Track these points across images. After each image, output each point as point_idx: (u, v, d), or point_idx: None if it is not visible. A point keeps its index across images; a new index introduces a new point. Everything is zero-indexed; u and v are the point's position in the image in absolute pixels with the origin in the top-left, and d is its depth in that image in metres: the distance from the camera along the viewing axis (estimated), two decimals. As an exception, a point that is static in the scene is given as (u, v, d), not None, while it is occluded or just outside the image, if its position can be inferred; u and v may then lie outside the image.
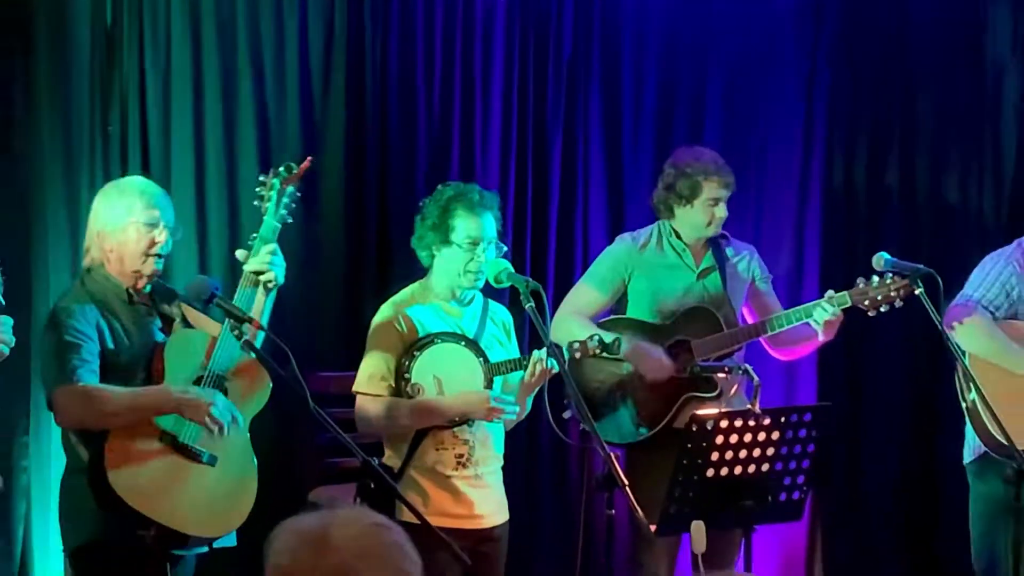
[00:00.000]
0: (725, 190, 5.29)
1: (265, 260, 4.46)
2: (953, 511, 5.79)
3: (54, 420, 4.47)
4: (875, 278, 5.07)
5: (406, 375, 4.72)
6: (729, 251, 5.42)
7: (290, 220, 4.53)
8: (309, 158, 4.68)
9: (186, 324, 4.53)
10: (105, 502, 4.25)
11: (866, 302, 5.09)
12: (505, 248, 4.88)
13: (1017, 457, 4.88)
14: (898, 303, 5.08)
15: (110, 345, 4.35)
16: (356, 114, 5.86)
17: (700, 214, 5.28)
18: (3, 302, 4.12)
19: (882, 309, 5.12)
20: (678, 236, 5.37)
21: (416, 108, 5.93)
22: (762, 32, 6.18)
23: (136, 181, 4.59)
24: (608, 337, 4.89)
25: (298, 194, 4.55)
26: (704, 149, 5.42)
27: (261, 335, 4.44)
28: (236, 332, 4.37)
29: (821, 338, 5.17)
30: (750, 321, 5.36)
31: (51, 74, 5.33)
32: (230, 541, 4.45)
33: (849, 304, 5.11)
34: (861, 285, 5.12)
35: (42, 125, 5.30)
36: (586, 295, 5.45)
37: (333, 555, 2.01)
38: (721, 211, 5.29)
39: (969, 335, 5.22)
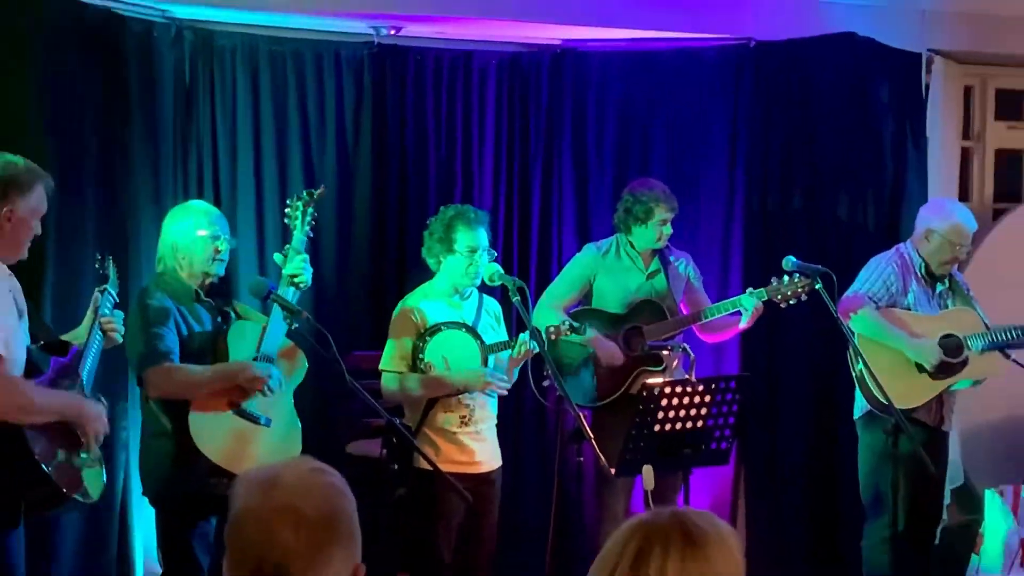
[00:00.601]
0: (671, 213, 5.33)
1: (300, 267, 4.49)
2: (846, 457, 5.79)
3: (143, 393, 4.44)
4: (785, 278, 5.12)
5: (420, 356, 4.78)
6: (671, 257, 5.45)
7: (312, 235, 4.60)
8: (323, 186, 4.80)
9: (239, 317, 4.53)
10: (188, 458, 4.27)
11: (778, 296, 5.15)
12: (495, 254, 4.97)
13: (894, 414, 4.94)
14: (803, 298, 5.12)
15: (184, 333, 4.36)
16: (380, 151, 5.87)
17: (652, 232, 5.31)
18: (117, 299, 4.20)
19: (791, 302, 5.15)
20: (632, 247, 5.40)
21: (427, 146, 5.96)
22: (696, 89, 6.19)
23: (199, 204, 4.67)
24: (576, 324, 4.97)
25: (316, 214, 4.59)
26: (656, 181, 5.47)
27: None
28: (288, 321, 4.43)
29: (743, 325, 5.17)
30: (686, 312, 5.36)
31: (144, 124, 5.32)
32: None
33: (766, 297, 5.14)
34: (775, 283, 5.16)
35: (136, 164, 5.28)
36: (560, 291, 5.47)
37: (279, 495, 1.91)
38: (668, 229, 5.34)
39: (858, 320, 5.27)
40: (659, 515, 1.85)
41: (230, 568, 1.94)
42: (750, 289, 5.15)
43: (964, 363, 5.29)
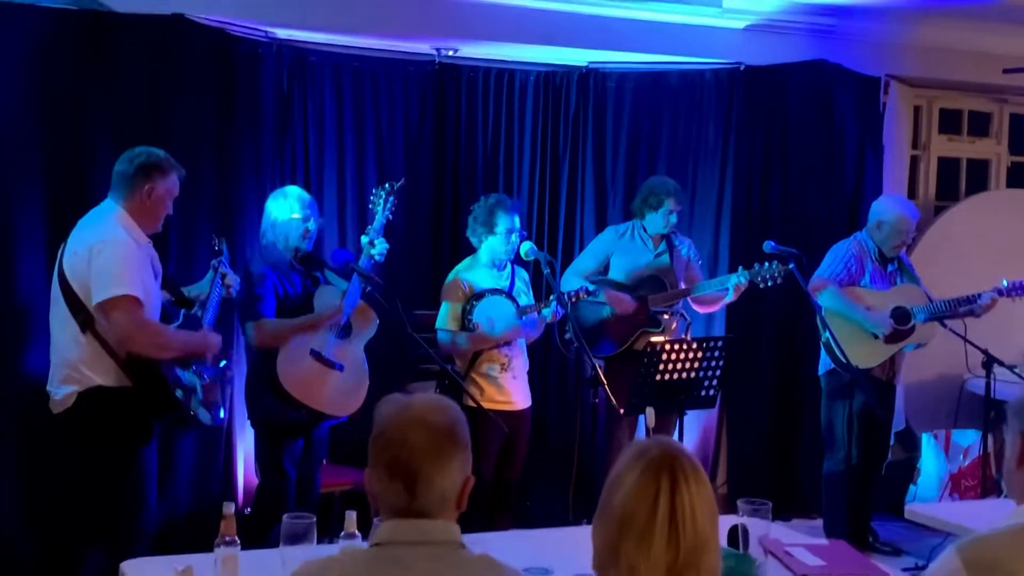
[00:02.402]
0: (678, 206, 5.29)
1: (379, 244, 4.51)
2: (808, 405, 5.79)
3: (247, 341, 4.50)
4: (766, 263, 5.00)
5: (468, 316, 4.78)
6: (676, 241, 5.39)
7: (391, 218, 4.60)
8: (403, 179, 4.77)
9: (326, 282, 4.54)
10: (277, 393, 4.30)
11: (759, 278, 5.04)
12: (526, 234, 4.96)
13: (853, 372, 4.94)
14: (779, 280, 5.02)
15: (280, 295, 4.36)
16: (439, 150, 5.84)
17: (662, 219, 5.26)
18: (230, 266, 4.25)
19: (769, 283, 5.08)
20: (645, 230, 5.35)
21: (476, 146, 5.91)
22: (695, 104, 6.12)
23: (294, 189, 4.64)
24: (592, 287, 5.01)
25: (395, 201, 4.61)
26: (670, 179, 5.42)
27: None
28: (363, 285, 4.44)
29: (729, 299, 5.11)
30: (684, 287, 5.31)
31: (250, 121, 5.30)
32: (343, 419, 4.50)
33: (750, 277, 5.02)
34: (756, 267, 5.08)
35: (243, 157, 5.26)
36: (583, 264, 5.44)
37: (412, 410, 1.99)
38: (674, 218, 5.30)
39: (824, 297, 5.25)
40: (663, 448, 1.86)
41: (373, 468, 1.99)
42: (740, 268, 5.10)
43: (911, 330, 5.26)
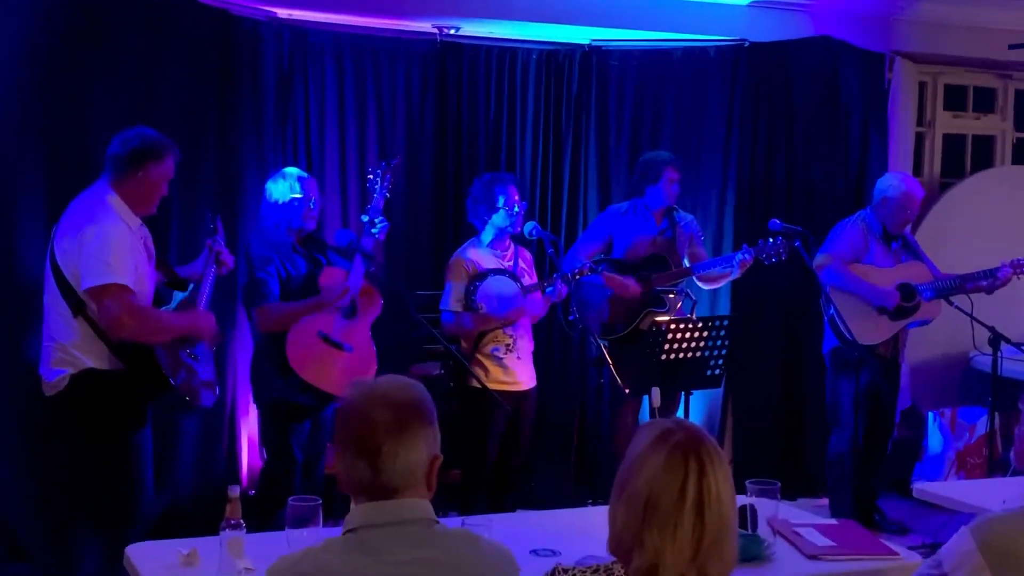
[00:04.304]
0: (677, 173, 5.25)
1: (379, 222, 4.45)
2: (813, 383, 5.75)
3: (252, 325, 4.47)
4: (770, 239, 4.95)
5: (472, 296, 4.74)
6: (678, 218, 5.35)
7: (389, 196, 4.54)
8: (399, 157, 4.75)
9: (328, 263, 4.49)
10: (286, 375, 4.27)
11: (764, 255, 5.00)
12: (526, 205, 4.89)
13: (858, 349, 4.92)
14: (784, 257, 4.98)
15: (283, 276, 4.32)
16: (441, 128, 5.79)
17: (663, 190, 5.23)
18: (225, 241, 4.17)
19: (773, 260, 5.04)
20: (647, 208, 5.31)
21: (478, 124, 5.86)
22: (699, 81, 6.07)
23: (294, 170, 4.60)
24: (593, 266, 4.94)
25: (392, 179, 4.55)
26: (662, 151, 5.40)
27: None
28: (368, 266, 4.40)
29: (736, 275, 5.07)
30: (687, 264, 5.28)
31: (251, 101, 5.26)
32: None
33: (754, 254, 4.99)
34: (761, 243, 5.04)
35: (244, 136, 5.22)
36: (585, 244, 5.41)
37: (376, 389, 2.01)
38: (675, 188, 5.26)
39: (828, 273, 5.17)
40: (687, 431, 1.84)
41: (340, 448, 1.99)
42: (744, 245, 5.06)
43: (917, 307, 5.23)
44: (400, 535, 1.94)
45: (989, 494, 3.43)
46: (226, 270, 4.13)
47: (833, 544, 3.01)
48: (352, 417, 1.98)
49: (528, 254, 5.02)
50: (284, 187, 4.42)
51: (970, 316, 5.12)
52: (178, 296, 3.94)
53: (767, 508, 2.97)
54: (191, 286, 4.00)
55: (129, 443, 3.71)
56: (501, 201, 4.71)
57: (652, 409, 4.20)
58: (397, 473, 1.94)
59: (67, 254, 3.64)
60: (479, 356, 4.71)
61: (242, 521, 2.62)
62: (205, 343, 3.94)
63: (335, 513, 3.64)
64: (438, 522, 2.01)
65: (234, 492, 2.63)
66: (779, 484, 2.91)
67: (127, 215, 3.73)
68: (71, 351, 3.67)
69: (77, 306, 3.63)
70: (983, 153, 7.03)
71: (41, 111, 4.69)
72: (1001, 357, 5.20)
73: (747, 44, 6.01)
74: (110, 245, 3.60)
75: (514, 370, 4.77)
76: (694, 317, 4.84)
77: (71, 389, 3.67)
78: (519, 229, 4.79)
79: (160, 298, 3.88)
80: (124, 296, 3.60)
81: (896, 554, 3.01)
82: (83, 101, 4.76)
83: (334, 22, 5.51)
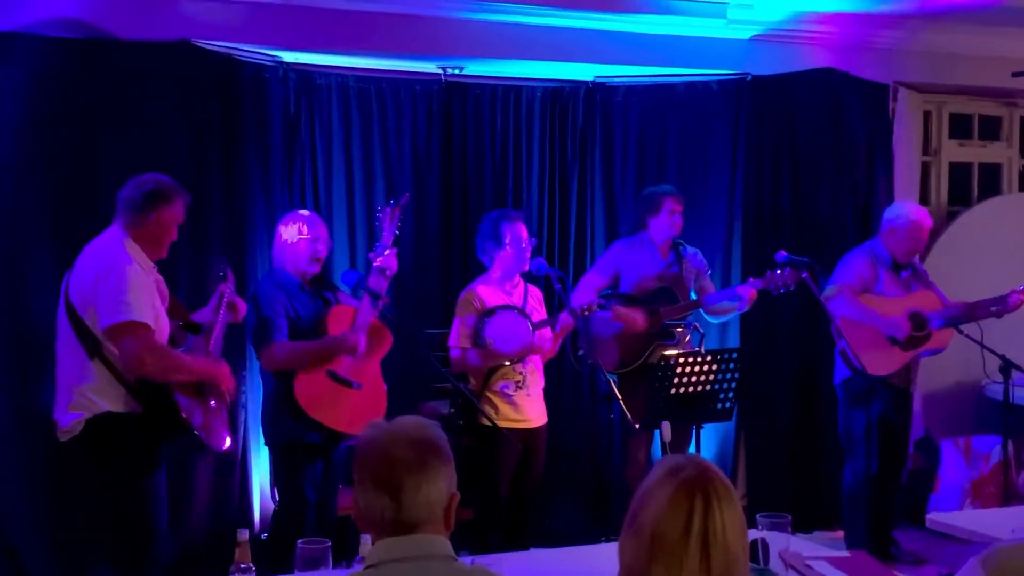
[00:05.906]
0: (678, 204, 5.27)
1: (388, 260, 4.45)
2: (826, 415, 5.72)
3: (262, 365, 4.48)
4: (777, 270, 4.96)
5: (481, 333, 4.75)
6: (684, 252, 5.36)
7: (398, 234, 4.55)
8: (407, 195, 4.73)
9: (336, 303, 4.50)
10: (296, 414, 4.28)
11: (771, 286, 5.00)
12: (535, 242, 4.92)
13: (868, 378, 4.92)
14: (792, 287, 4.98)
15: (292, 316, 4.33)
16: (447, 167, 5.81)
17: (664, 221, 5.25)
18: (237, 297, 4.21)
19: (782, 291, 5.04)
20: (652, 243, 5.30)
21: (485, 162, 5.88)
22: (703, 114, 6.08)
23: (303, 213, 4.58)
24: (602, 302, 4.95)
25: (401, 216, 4.56)
26: (665, 185, 5.44)
27: None
28: (376, 304, 4.40)
29: (744, 308, 5.07)
30: (695, 297, 5.29)
31: (257, 147, 5.30)
32: None
33: (762, 286, 4.98)
34: (768, 274, 5.02)
35: (251, 179, 5.26)
36: (594, 277, 5.41)
37: (394, 428, 2.04)
38: (677, 220, 5.28)
39: (839, 304, 5.14)
40: (696, 467, 1.84)
41: (359, 486, 2.01)
42: (750, 279, 5.07)
43: (928, 336, 5.22)
44: (421, 571, 1.95)
45: (1004, 523, 3.41)
46: (240, 316, 4.16)
47: (846, 577, 2.99)
48: (372, 452, 2.00)
49: (538, 291, 5.03)
50: (293, 228, 4.46)
51: (981, 344, 5.11)
52: (191, 338, 3.96)
53: (779, 541, 2.95)
54: (203, 330, 4.02)
55: (145, 486, 3.72)
56: (508, 238, 4.74)
57: (663, 444, 4.18)
58: (419, 508, 1.96)
59: (83, 295, 3.67)
60: (488, 394, 4.71)
61: (252, 565, 2.63)
62: (226, 394, 3.95)
63: (348, 555, 3.65)
64: (457, 559, 2.01)
65: (243, 536, 2.63)
66: (790, 517, 2.90)
67: (141, 258, 3.77)
68: (87, 394, 3.68)
69: (93, 348, 3.65)
70: (990, 181, 7.03)
71: (48, 157, 4.73)
72: (1013, 385, 5.18)
73: (750, 77, 6.03)
74: (128, 284, 3.63)
75: (524, 407, 4.76)
76: (703, 350, 4.83)
77: (87, 433, 3.68)
78: (527, 266, 4.81)
79: (174, 342, 3.90)
80: (144, 333, 3.62)
81: (909, 586, 2.99)
82: (89, 147, 4.81)
83: (339, 65, 5.55)
